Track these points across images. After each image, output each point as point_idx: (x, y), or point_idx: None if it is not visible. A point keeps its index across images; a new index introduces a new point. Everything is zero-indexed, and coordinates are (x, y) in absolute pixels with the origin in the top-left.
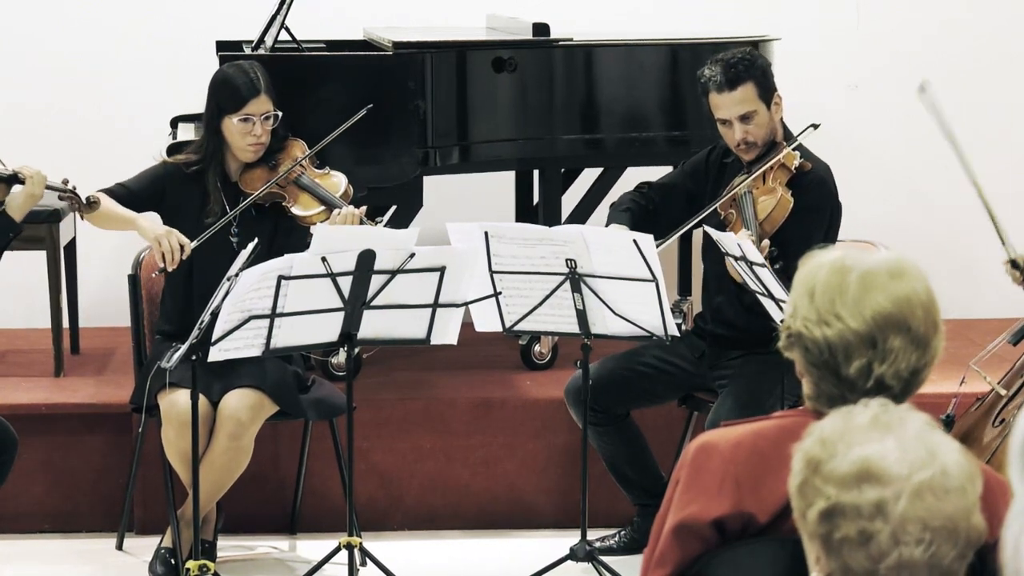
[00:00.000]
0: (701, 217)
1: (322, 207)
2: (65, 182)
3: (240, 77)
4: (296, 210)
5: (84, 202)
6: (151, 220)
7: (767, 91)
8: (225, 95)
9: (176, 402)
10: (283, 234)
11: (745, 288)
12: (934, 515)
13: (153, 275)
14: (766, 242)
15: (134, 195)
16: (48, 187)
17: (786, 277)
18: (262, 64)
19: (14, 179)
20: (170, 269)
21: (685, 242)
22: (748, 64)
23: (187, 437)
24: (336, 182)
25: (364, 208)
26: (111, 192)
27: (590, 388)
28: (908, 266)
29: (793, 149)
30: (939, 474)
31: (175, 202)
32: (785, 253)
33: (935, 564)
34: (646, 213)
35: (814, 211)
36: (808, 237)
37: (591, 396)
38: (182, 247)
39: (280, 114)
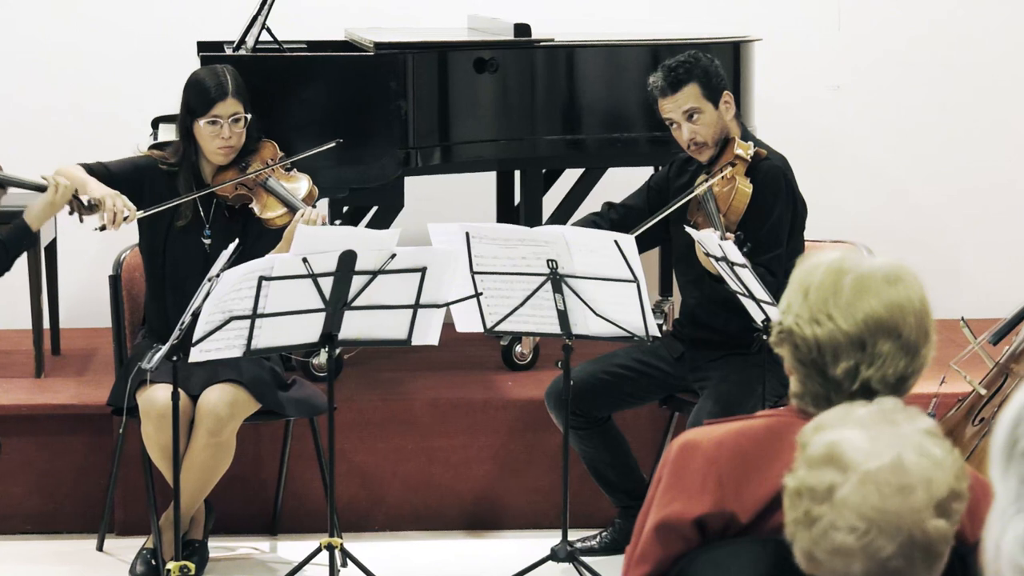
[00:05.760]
0: (663, 215)
1: (284, 209)
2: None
3: (210, 79)
4: (257, 209)
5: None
6: (100, 184)
7: (712, 91)
8: (195, 98)
9: (154, 397)
10: (252, 238)
11: (720, 282)
12: (871, 505)
13: (94, 230)
14: (729, 235)
15: (112, 176)
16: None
17: (755, 263)
18: (243, 64)
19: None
20: (110, 228)
21: (666, 243)
22: (689, 67)
23: (166, 431)
24: (299, 183)
25: (325, 213)
26: (88, 167)
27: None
28: (905, 273)
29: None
30: (890, 468)
31: (152, 199)
32: (751, 239)
33: (871, 555)
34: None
35: (773, 195)
36: (771, 222)
37: (572, 401)
38: (127, 217)
39: (250, 116)
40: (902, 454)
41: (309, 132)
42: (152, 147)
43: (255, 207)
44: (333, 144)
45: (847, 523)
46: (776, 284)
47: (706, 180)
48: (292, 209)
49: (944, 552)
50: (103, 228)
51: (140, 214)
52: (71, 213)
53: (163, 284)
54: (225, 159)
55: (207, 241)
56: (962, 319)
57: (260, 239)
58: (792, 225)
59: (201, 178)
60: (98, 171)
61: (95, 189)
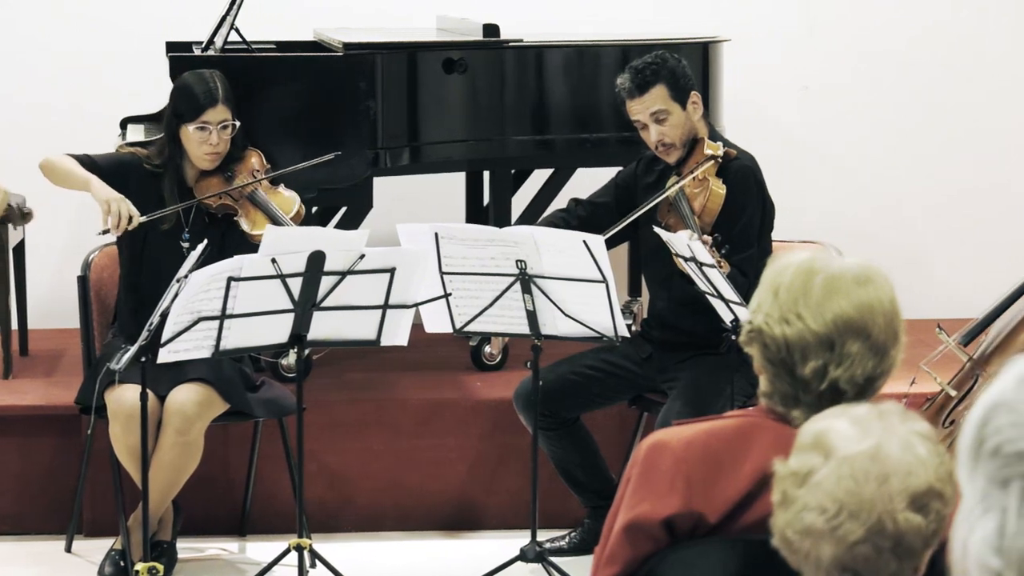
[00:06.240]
0: (634, 217)
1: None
2: None
3: (199, 85)
4: (245, 225)
5: None
6: (105, 184)
7: (680, 91)
8: (183, 103)
9: (122, 398)
10: (232, 249)
11: (692, 283)
12: (844, 488)
13: (97, 234)
14: (706, 237)
15: (99, 169)
16: None
17: (732, 264)
18: (212, 65)
19: None
20: (114, 235)
21: (635, 243)
22: (656, 68)
23: (135, 432)
24: (288, 199)
25: None
26: (77, 158)
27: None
28: (875, 274)
29: (720, 145)
30: (868, 454)
31: (135, 197)
32: (727, 240)
33: (839, 539)
34: (571, 229)
35: (744, 195)
36: (743, 222)
37: (540, 402)
38: (131, 218)
39: (238, 124)
40: (884, 443)
41: (278, 132)
42: (125, 145)
43: (242, 222)
44: (331, 156)
45: (818, 504)
46: (747, 284)
47: (678, 181)
48: (277, 225)
49: (918, 548)
50: (106, 232)
51: (143, 219)
52: (7, 222)
53: (138, 284)
54: (211, 165)
55: (185, 244)
56: (939, 326)
57: (239, 250)
58: (762, 225)
59: (184, 182)
60: (85, 163)
61: (99, 190)
